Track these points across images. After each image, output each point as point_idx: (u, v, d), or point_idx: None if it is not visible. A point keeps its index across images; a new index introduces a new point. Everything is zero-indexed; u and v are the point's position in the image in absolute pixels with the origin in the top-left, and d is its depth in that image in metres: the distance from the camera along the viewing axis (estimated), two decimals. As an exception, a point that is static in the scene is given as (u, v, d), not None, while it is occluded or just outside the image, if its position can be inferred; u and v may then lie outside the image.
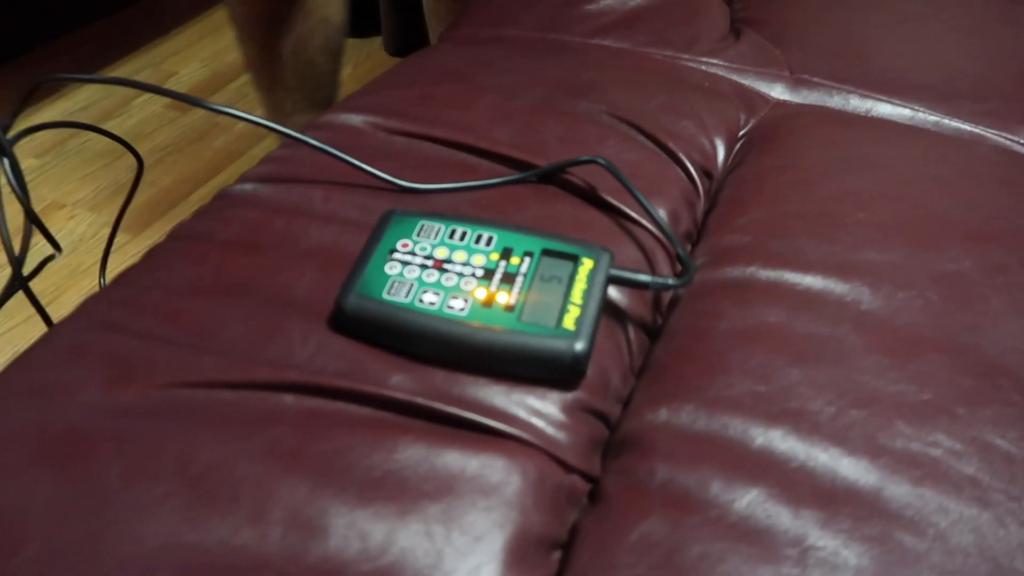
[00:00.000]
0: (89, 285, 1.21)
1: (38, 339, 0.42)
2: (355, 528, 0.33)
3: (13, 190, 0.46)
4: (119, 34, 1.83)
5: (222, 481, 0.34)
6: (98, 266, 1.27)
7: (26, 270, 0.48)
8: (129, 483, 0.34)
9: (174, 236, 0.49)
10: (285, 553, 0.32)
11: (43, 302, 1.18)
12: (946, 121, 0.65)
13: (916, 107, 0.66)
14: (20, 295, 0.49)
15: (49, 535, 0.32)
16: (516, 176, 0.52)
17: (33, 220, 0.47)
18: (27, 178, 1.41)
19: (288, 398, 0.38)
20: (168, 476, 0.34)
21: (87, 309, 0.43)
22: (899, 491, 0.36)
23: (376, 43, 1.79)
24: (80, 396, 0.37)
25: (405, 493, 0.35)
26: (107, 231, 1.34)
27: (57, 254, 0.52)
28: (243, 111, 0.47)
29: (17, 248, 0.48)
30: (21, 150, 1.46)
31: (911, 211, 0.51)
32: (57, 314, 1.17)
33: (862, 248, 0.48)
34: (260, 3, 1.01)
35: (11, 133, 0.46)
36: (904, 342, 0.43)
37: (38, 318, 1.15)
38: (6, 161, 0.45)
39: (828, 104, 0.67)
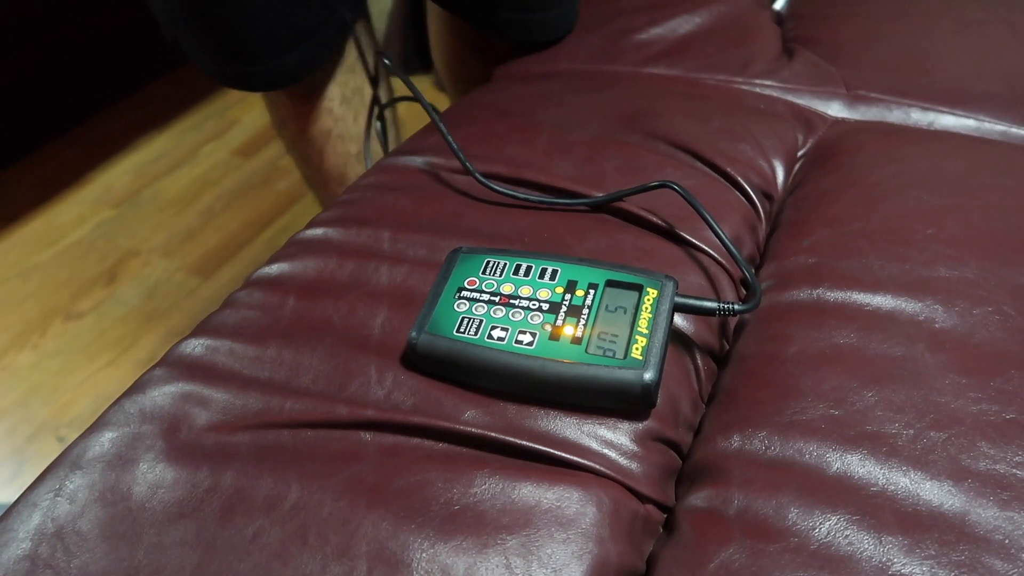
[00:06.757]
0: (164, 330, 1.26)
1: (132, 385, 0.44)
2: (437, 562, 0.34)
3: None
4: (184, 87, 1.92)
5: (309, 518, 0.35)
6: (173, 311, 1.32)
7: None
8: (226, 521, 0.35)
9: (252, 282, 0.51)
10: (372, 587, 0.33)
11: (119, 349, 1.23)
12: (1014, 130, 0.63)
13: (981, 117, 0.65)
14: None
15: (156, 568, 0.34)
16: (588, 200, 0.53)
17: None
18: (103, 229, 1.49)
19: (367, 435, 0.39)
20: (260, 514, 0.35)
21: (176, 355, 0.45)
22: (986, 515, 0.35)
23: (427, 81, 1.83)
24: (176, 438, 0.39)
25: (484, 526, 0.35)
26: (180, 275, 1.40)
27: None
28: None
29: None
30: (98, 203, 1.55)
31: (982, 224, 0.50)
32: (134, 359, 1.22)
33: (933, 264, 0.47)
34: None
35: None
36: (983, 359, 0.42)
37: (119, 363, 1.20)
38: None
39: (888, 119, 0.66)
